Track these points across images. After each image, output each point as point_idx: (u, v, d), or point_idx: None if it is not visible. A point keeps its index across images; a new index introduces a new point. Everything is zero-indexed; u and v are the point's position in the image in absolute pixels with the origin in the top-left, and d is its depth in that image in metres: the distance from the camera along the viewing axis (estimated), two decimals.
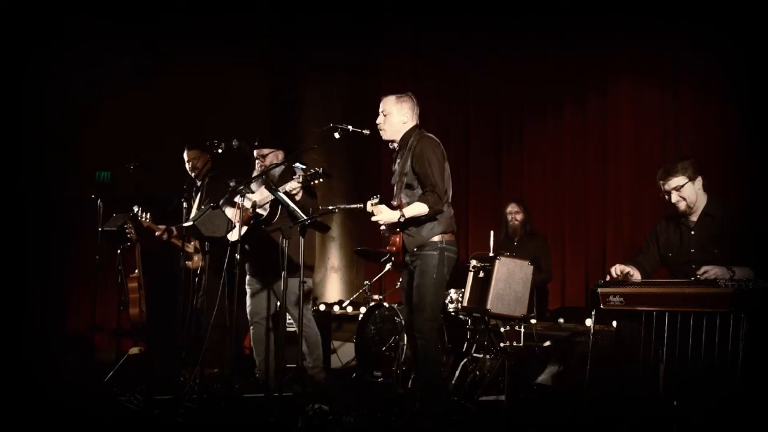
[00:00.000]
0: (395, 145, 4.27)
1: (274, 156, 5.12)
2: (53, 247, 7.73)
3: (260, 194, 4.92)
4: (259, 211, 4.89)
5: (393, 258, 4.27)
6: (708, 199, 3.90)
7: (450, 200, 4.20)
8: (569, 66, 6.76)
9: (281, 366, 4.84)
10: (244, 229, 4.85)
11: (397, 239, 4.16)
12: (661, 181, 3.90)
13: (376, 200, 4.05)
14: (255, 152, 5.17)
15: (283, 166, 5.04)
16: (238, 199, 4.64)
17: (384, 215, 4.04)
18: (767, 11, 5.14)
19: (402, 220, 4.02)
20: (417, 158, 4.10)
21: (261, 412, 4.48)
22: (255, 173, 5.18)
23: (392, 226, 4.14)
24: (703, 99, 5.86)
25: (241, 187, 4.66)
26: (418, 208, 4.03)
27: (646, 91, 6.23)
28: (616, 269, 3.86)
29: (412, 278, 4.16)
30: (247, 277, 5.22)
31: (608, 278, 3.87)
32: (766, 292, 3.20)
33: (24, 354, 6.71)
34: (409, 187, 4.14)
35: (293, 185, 4.58)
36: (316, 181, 4.38)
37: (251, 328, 5.22)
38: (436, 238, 4.10)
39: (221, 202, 5.11)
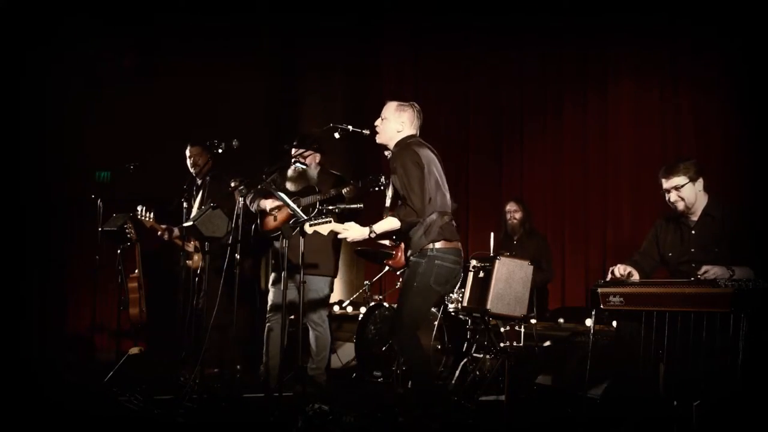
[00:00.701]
0: (389, 153, 4.25)
1: (313, 158, 5.11)
2: (53, 247, 7.72)
3: (302, 195, 4.92)
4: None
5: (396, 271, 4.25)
6: (708, 198, 3.90)
7: (443, 209, 4.04)
8: (569, 66, 6.77)
9: (287, 366, 4.83)
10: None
11: (398, 253, 4.16)
12: (663, 179, 3.90)
13: (319, 221, 4.01)
14: (293, 152, 5.15)
15: (317, 170, 5.07)
16: (239, 198, 4.65)
17: (352, 232, 4.01)
18: (767, 11, 5.14)
19: (372, 236, 4.00)
20: (395, 171, 4.04)
21: (261, 412, 4.48)
22: (290, 173, 5.19)
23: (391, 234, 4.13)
24: (703, 99, 5.86)
25: (243, 188, 4.67)
26: (390, 223, 3.98)
27: (646, 91, 6.23)
28: (619, 269, 3.85)
29: None
30: (272, 275, 5.23)
31: (609, 278, 3.86)
32: (766, 292, 3.20)
33: (24, 354, 6.71)
34: (396, 197, 4.09)
35: (350, 191, 4.57)
36: (376, 188, 4.33)
37: (267, 325, 5.21)
38: (427, 247, 3.99)
39: (251, 196, 5.12)
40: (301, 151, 4.97)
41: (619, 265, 3.88)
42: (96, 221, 5.82)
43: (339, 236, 4.05)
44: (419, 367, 4.10)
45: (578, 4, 6.45)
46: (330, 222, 4.01)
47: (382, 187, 4.27)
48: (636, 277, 3.86)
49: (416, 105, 4.23)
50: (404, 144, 4.12)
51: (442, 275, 3.99)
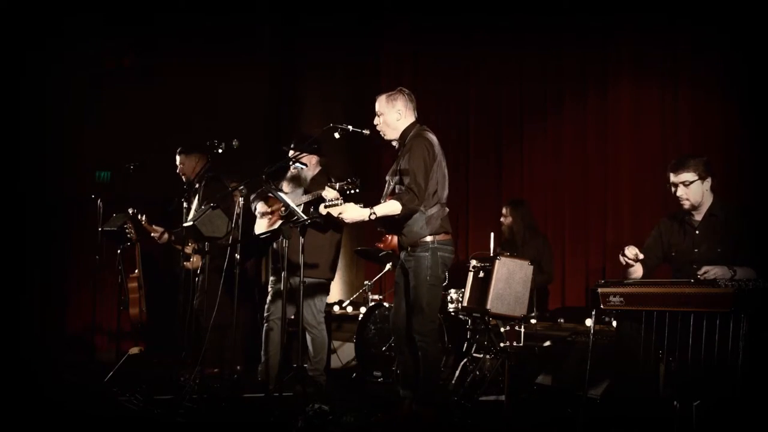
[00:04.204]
0: (395, 142, 4.27)
1: (309, 159, 5.12)
2: (53, 247, 7.73)
3: (292, 196, 4.92)
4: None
5: (389, 254, 4.25)
6: (714, 199, 3.89)
7: (444, 201, 4.19)
8: (569, 65, 6.76)
9: (287, 366, 4.83)
10: (277, 224, 4.89)
11: (389, 237, 4.16)
12: (671, 173, 3.87)
13: (335, 202, 4.02)
14: (290, 153, 5.15)
15: (316, 171, 5.09)
16: (240, 198, 4.66)
17: (350, 213, 4.00)
18: (767, 11, 5.14)
19: (373, 217, 3.99)
20: (406, 156, 4.08)
21: (261, 412, 4.48)
22: (288, 174, 5.20)
23: (384, 225, 4.12)
24: (704, 98, 5.86)
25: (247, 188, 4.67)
26: (391, 206, 3.99)
27: (646, 91, 6.23)
28: (631, 250, 3.81)
29: (408, 279, 4.16)
30: (271, 277, 5.23)
31: (622, 258, 3.83)
32: (767, 292, 3.20)
33: (24, 354, 6.71)
34: (401, 184, 4.12)
35: (332, 194, 4.57)
36: (352, 191, 4.37)
37: (265, 325, 5.21)
38: (427, 239, 4.08)
39: (253, 197, 5.12)
40: (298, 154, 4.97)
41: (630, 246, 3.84)
42: (96, 221, 5.82)
43: (337, 215, 4.03)
44: (435, 363, 4.18)
45: (578, 4, 6.45)
46: (339, 204, 4.02)
47: (358, 190, 4.28)
48: (638, 272, 3.83)
49: (404, 89, 4.26)
50: (418, 133, 4.17)
51: (446, 265, 4.17)
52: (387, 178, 4.30)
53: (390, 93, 4.23)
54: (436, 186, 4.10)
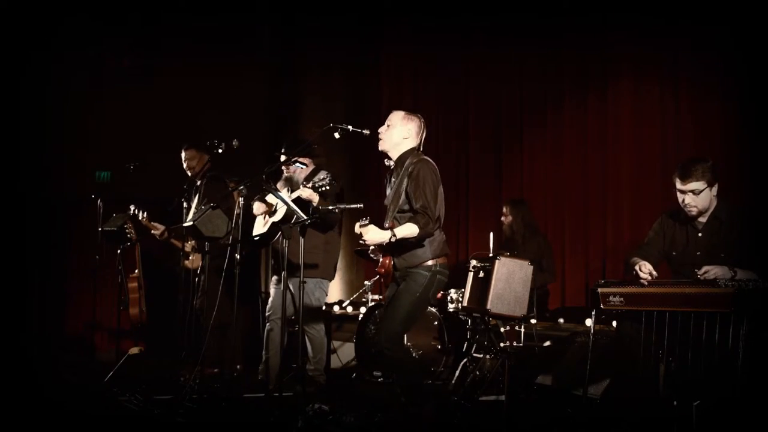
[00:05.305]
0: (391, 163, 4.25)
1: (306, 159, 5.12)
2: (53, 247, 7.73)
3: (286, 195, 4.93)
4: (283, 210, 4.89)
5: (383, 279, 4.21)
6: (718, 202, 3.86)
7: (441, 225, 4.15)
8: (569, 66, 6.76)
9: (287, 366, 4.84)
10: (267, 226, 4.89)
11: (387, 261, 4.10)
12: (679, 181, 3.81)
13: (365, 221, 3.96)
14: (282, 158, 5.13)
15: (310, 171, 5.08)
16: (240, 198, 4.66)
17: (372, 235, 3.95)
18: (767, 11, 5.14)
19: (393, 240, 3.94)
20: (413, 180, 4.04)
21: (261, 412, 4.48)
22: (285, 174, 5.21)
23: (383, 248, 4.10)
24: (704, 99, 5.86)
25: (239, 188, 4.67)
26: (409, 229, 3.96)
27: (646, 91, 6.23)
28: (645, 268, 3.76)
29: (398, 287, 4.12)
30: (273, 277, 5.23)
31: (640, 275, 3.78)
32: (767, 292, 3.20)
33: (24, 354, 6.71)
34: (402, 210, 4.08)
35: (306, 193, 4.56)
36: (325, 188, 4.33)
37: (267, 325, 5.21)
38: (429, 263, 4.05)
39: (255, 198, 5.13)
40: (289, 158, 4.98)
41: (644, 265, 3.75)
42: (96, 221, 5.82)
43: (361, 240, 4.00)
44: (407, 364, 4.17)
45: (578, 4, 6.45)
46: (368, 225, 3.96)
47: (329, 187, 4.24)
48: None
49: (422, 118, 4.25)
50: (419, 157, 4.15)
51: (438, 288, 4.15)
52: (386, 203, 4.24)
53: (409, 113, 4.21)
54: (439, 211, 4.09)
